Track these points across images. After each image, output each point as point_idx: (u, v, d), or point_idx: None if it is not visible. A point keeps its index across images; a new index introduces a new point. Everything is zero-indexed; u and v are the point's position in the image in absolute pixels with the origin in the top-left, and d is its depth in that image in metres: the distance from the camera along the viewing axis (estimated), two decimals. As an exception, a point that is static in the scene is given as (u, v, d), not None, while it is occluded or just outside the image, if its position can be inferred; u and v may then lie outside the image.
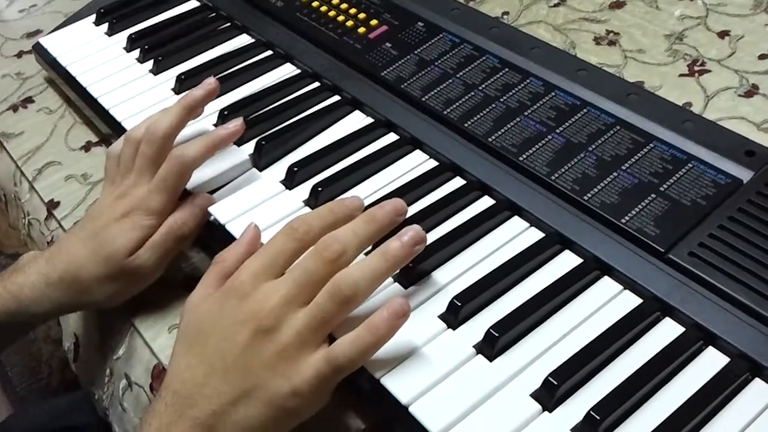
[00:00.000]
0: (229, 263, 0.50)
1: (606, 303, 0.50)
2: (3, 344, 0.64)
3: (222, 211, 0.60)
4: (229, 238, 0.58)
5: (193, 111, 0.61)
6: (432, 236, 0.54)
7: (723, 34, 0.71)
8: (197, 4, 0.86)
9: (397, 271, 0.50)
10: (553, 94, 0.62)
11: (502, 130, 0.60)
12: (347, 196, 0.53)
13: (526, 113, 0.61)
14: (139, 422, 0.48)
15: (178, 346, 0.49)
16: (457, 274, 0.52)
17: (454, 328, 0.49)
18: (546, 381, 0.45)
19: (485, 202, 0.57)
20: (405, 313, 0.46)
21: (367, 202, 0.57)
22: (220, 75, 0.73)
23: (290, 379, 0.45)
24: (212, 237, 0.61)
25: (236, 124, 0.61)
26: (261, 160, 0.64)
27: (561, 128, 0.59)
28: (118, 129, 0.71)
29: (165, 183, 0.57)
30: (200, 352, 0.47)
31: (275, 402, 0.45)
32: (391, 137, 0.64)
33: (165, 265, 0.59)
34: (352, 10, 0.75)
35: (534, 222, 0.55)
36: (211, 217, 0.60)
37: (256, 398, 0.45)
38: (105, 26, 0.84)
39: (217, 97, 0.71)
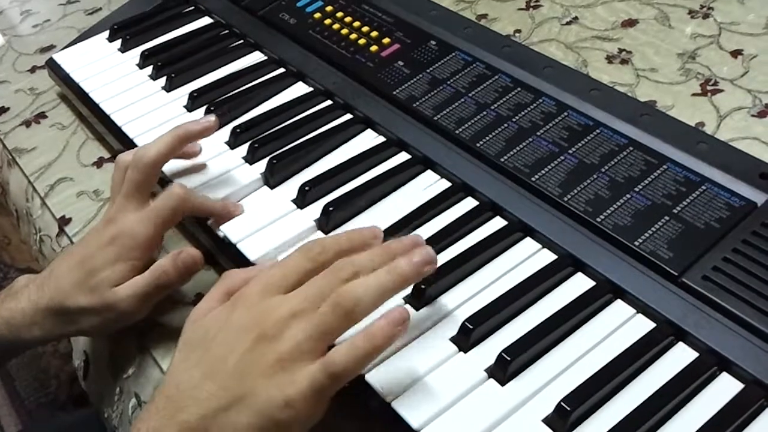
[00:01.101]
0: (236, 280, 0.51)
1: (619, 327, 0.49)
2: None
3: (233, 229, 0.60)
4: (239, 257, 0.58)
5: (185, 143, 0.61)
6: (444, 257, 0.54)
7: (736, 53, 0.71)
8: (210, 21, 0.86)
9: (404, 289, 0.50)
10: (565, 114, 0.62)
11: (515, 150, 0.60)
12: (366, 226, 0.52)
13: (538, 133, 0.61)
14: (131, 428, 0.48)
15: (178, 354, 0.49)
16: (469, 296, 0.52)
17: (465, 351, 0.49)
18: (559, 406, 0.44)
19: (497, 223, 0.57)
20: (404, 320, 0.45)
21: (378, 222, 0.57)
22: (232, 92, 0.74)
23: (284, 389, 0.44)
24: (223, 255, 0.61)
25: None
26: (273, 178, 0.64)
27: (574, 149, 0.59)
28: (130, 145, 0.72)
29: (156, 215, 0.57)
30: (200, 358, 0.47)
31: (266, 412, 0.44)
32: (403, 156, 0.64)
33: (147, 308, 0.57)
34: (365, 29, 0.75)
35: (546, 243, 0.55)
36: (221, 234, 0.60)
37: (247, 406, 0.44)
38: (118, 43, 0.85)
39: (230, 113, 0.72)
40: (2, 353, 0.63)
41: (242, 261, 0.58)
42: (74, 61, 0.84)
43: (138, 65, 0.81)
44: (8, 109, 0.88)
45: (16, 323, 0.58)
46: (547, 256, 0.54)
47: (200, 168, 0.66)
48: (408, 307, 0.52)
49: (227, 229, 0.60)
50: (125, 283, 0.56)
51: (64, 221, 0.73)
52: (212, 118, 0.63)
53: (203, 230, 0.62)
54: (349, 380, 0.45)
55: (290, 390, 0.44)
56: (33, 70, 0.94)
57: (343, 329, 0.46)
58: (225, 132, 0.70)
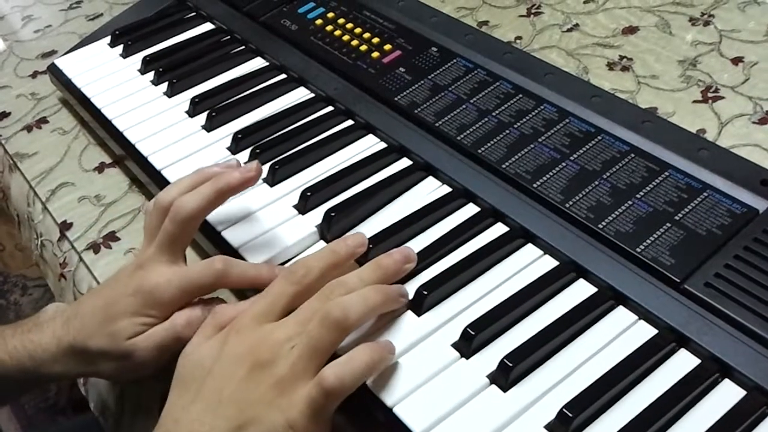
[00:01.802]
0: (226, 314, 0.50)
1: (621, 333, 0.49)
2: (15, 396, 0.63)
3: (235, 235, 0.60)
4: (241, 263, 0.58)
5: (226, 196, 0.56)
6: (445, 264, 0.54)
7: (737, 61, 0.71)
8: (211, 26, 0.87)
9: (394, 305, 0.51)
10: (567, 120, 0.62)
11: (516, 157, 0.60)
12: (351, 234, 0.53)
13: (540, 140, 0.61)
14: None
15: (173, 391, 0.48)
16: (471, 302, 0.52)
17: (467, 357, 0.49)
18: (560, 413, 0.44)
19: (499, 229, 0.57)
20: (392, 350, 0.47)
21: (379, 228, 0.57)
22: (234, 98, 0.74)
23: (285, 411, 0.44)
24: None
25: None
26: (274, 184, 0.64)
27: (575, 155, 0.59)
28: (131, 151, 0.72)
29: (188, 284, 0.53)
30: (196, 391, 0.47)
31: None
32: (405, 162, 0.64)
33: (164, 359, 0.54)
34: (366, 35, 0.75)
35: (548, 250, 0.55)
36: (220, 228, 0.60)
37: None
38: (120, 48, 0.85)
39: (231, 120, 0.72)
40: (24, 385, 0.62)
41: (244, 266, 0.58)
42: (76, 66, 0.84)
43: (139, 71, 0.81)
44: (9, 114, 0.88)
45: (38, 357, 0.56)
46: (549, 263, 0.54)
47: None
48: (410, 313, 0.52)
49: (229, 235, 0.60)
50: (143, 334, 0.53)
51: (65, 226, 0.73)
52: (254, 164, 0.58)
53: (207, 238, 0.61)
54: (344, 396, 0.45)
55: (291, 412, 0.44)
56: (34, 75, 0.94)
57: (333, 342, 0.46)
58: (227, 138, 0.70)
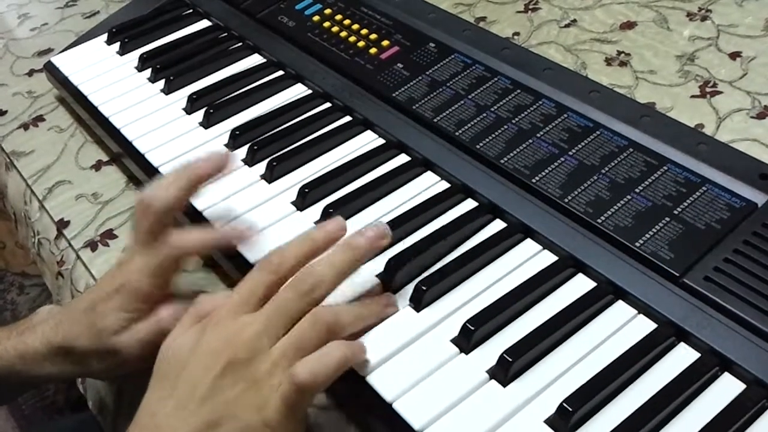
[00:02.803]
0: (206, 306, 0.50)
1: (620, 328, 0.49)
2: (11, 397, 0.63)
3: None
4: (239, 259, 0.58)
5: (198, 184, 0.56)
6: (444, 259, 0.54)
7: (734, 55, 0.71)
8: (209, 23, 0.86)
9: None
10: (565, 115, 0.62)
11: (515, 152, 0.60)
12: (330, 219, 0.52)
13: (538, 135, 0.61)
14: None
15: (151, 383, 0.48)
16: (470, 297, 0.52)
17: (467, 353, 0.49)
18: (560, 407, 0.44)
19: (497, 224, 0.57)
20: (363, 350, 0.48)
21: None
22: (231, 95, 0.74)
23: (261, 410, 0.44)
24: (222, 257, 0.61)
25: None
26: (272, 180, 0.64)
27: (574, 150, 0.59)
28: (129, 148, 0.72)
29: (159, 269, 0.54)
30: (172, 384, 0.46)
31: None
32: (403, 158, 0.64)
33: (153, 353, 0.51)
34: (364, 31, 0.75)
35: (547, 245, 0.55)
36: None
37: (226, 430, 0.44)
38: (117, 45, 0.85)
39: (229, 117, 0.72)
40: (17, 386, 0.62)
41: (242, 263, 0.58)
42: (73, 64, 0.84)
43: (137, 68, 0.81)
44: (6, 112, 0.88)
45: (29, 358, 0.57)
46: (548, 258, 0.54)
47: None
48: (409, 308, 0.52)
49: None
50: (127, 330, 0.54)
51: (62, 224, 0.72)
52: (221, 153, 0.58)
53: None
54: (318, 391, 0.45)
55: (266, 410, 0.44)
56: (31, 73, 0.93)
57: (315, 340, 0.46)
58: (225, 135, 0.70)
